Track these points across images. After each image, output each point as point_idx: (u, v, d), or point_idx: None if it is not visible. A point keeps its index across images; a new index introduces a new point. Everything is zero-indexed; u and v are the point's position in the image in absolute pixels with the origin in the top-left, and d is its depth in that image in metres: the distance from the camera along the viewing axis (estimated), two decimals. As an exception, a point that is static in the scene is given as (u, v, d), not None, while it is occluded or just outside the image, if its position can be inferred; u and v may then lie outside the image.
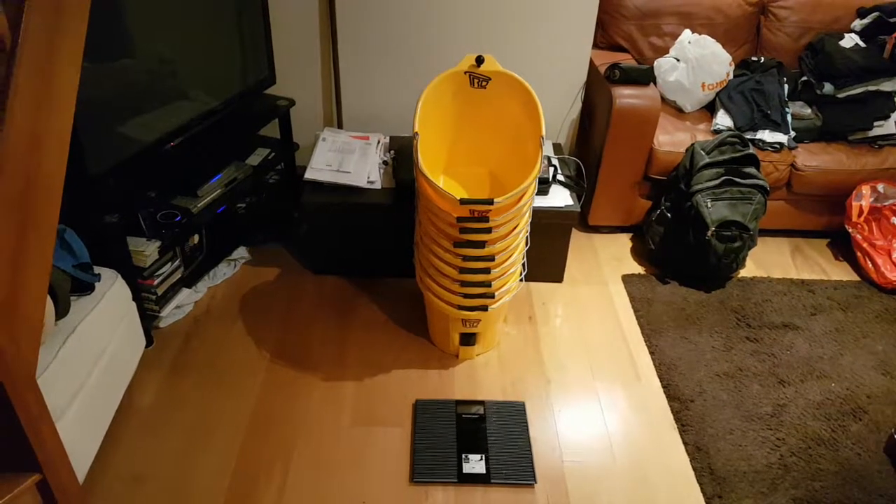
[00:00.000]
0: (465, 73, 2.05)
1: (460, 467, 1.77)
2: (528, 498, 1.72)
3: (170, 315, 2.18)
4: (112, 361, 1.76)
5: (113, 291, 1.78)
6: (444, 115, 2.10)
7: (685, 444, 1.88)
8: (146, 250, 1.98)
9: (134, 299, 1.90)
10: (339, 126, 2.77)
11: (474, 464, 1.78)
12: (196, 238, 2.29)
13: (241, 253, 2.48)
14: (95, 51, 1.68)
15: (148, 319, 2.09)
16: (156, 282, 2.06)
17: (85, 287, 1.72)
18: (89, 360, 1.67)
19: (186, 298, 2.24)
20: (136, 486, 1.70)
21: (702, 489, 1.76)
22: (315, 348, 2.13)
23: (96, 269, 1.76)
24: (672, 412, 1.97)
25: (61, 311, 1.60)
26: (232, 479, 1.73)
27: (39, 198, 1.16)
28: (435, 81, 2.01)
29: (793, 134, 2.56)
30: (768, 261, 2.64)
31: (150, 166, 2.00)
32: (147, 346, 2.06)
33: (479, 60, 2.03)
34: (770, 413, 1.97)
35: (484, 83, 2.07)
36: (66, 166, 1.22)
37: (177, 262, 2.17)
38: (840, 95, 2.55)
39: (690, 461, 1.83)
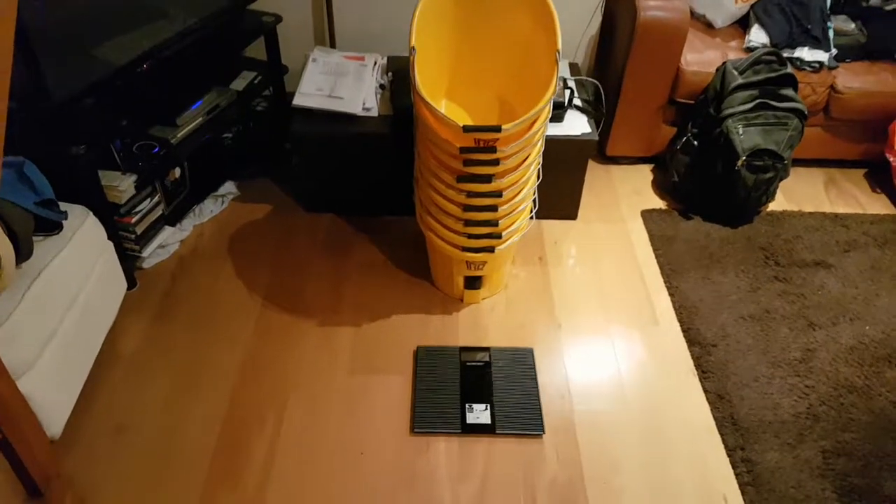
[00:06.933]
0: (470, -20, 1.81)
1: (464, 417, 1.67)
2: (536, 449, 1.63)
3: (153, 255, 2.05)
4: (88, 306, 1.64)
5: (84, 230, 1.64)
6: (445, 28, 1.88)
7: (706, 392, 1.77)
8: (121, 185, 1.83)
9: (111, 238, 1.76)
10: (332, 45, 2.56)
11: (478, 413, 1.68)
12: (177, 172, 2.12)
13: (229, 188, 2.32)
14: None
15: (129, 260, 1.97)
16: (134, 219, 1.92)
17: (51, 226, 1.57)
18: (61, 305, 1.54)
19: (171, 237, 2.10)
20: (120, 437, 1.62)
21: (723, 440, 1.66)
22: (309, 291, 2.01)
23: (64, 207, 1.61)
24: (692, 358, 1.86)
25: (24, 253, 1.47)
26: (222, 428, 1.64)
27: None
28: (435, -10, 1.78)
29: (834, 51, 2.32)
30: (800, 193, 2.46)
31: (123, 92, 1.83)
32: (129, 289, 1.94)
33: (486, -35, 1.79)
34: (798, 359, 1.85)
35: (491, -8, 1.83)
36: (24, 90, 1.06)
37: (157, 198, 2.02)
38: (888, 8, 2.33)
39: (711, 410, 1.73)
